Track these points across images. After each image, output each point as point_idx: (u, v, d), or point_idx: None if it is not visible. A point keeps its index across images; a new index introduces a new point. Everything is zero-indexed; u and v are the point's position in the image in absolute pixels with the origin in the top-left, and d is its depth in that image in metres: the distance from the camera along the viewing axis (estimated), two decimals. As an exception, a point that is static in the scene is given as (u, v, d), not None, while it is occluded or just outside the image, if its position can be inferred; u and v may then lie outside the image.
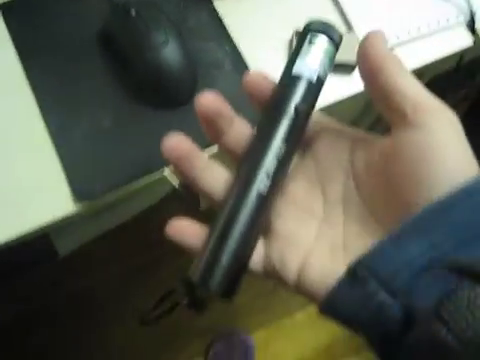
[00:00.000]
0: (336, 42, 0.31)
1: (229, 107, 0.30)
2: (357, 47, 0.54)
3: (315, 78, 0.30)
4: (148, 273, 1.18)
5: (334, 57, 0.31)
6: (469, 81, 0.98)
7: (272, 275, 0.28)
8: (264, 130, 0.30)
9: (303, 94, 0.29)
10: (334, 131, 0.31)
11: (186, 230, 0.30)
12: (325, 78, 0.31)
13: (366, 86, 0.28)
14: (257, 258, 0.29)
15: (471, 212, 0.22)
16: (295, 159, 0.31)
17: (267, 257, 0.29)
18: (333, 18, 0.56)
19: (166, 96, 0.50)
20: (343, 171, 0.29)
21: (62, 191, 0.47)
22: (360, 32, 0.55)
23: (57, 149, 0.48)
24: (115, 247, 1.10)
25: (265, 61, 0.53)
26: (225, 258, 0.27)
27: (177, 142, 0.29)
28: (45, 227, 0.47)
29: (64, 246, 0.54)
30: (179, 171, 0.30)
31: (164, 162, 0.49)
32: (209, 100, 0.29)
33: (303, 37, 0.31)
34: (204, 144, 0.50)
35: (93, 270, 1.15)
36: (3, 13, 0.52)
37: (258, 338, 1.17)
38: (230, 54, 0.53)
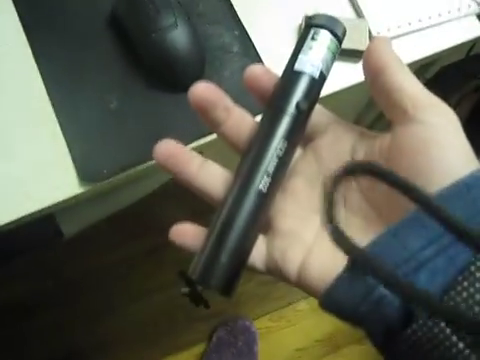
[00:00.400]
0: (340, 37, 0.30)
1: (224, 96, 0.30)
2: (367, 34, 0.54)
3: (317, 74, 0.29)
4: (151, 257, 1.19)
5: (338, 52, 0.31)
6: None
7: (274, 272, 0.28)
8: (265, 127, 0.30)
9: (305, 91, 0.29)
10: (335, 127, 0.31)
11: (188, 233, 0.30)
12: (328, 74, 0.30)
13: (369, 84, 0.28)
14: (259, 255, 0.29)
15: (470, 206, 0.22)
16: (296, 154, 0.31)
17: (269, 254, 0.29)
18: (343, 5, 0.56)
19: (173, 79, 0.50)
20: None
21: (68, 173, 0.47)
22: (370, 19, 0.54)
23: (63, 130, 0.48)
24: (118, 231, 1.12)
25: (274, 45, 0.53)
26: (224, 256, 0.27)
27: (167, 147, 0.30)
28: (50, 208, 0.47)
29: (69, 227, 0.55)
30: (174, 175, 0.30)
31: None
32: (202, 90, 0.29)
33: (306, 32, 0.30)
34: (207, 131, 0.50)
35: (95, 254, 1.16)
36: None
37: (261, 326, 1.18)
38: (239, 38, 0.52)
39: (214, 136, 0.50)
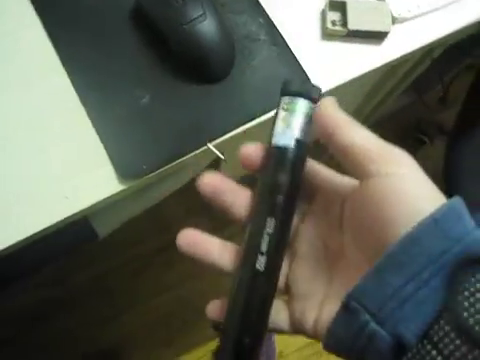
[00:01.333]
0: (315, 98, 0.30)
1: (230, 182, 0.32)
2: (389, 16, 0.54)
3: (294, 145, 0.30)
4: (157, 259, 1.18)
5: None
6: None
7: (298, 331, 0.30)
8: (253, 208, 0.31)
9: (284, 165, 0.30)
10: (325, 189, 0.32)
11: (219, 310, 0.32)
12: (307, 138, 0.30)
13: (328, 146, 0.29)
14: (283, 319, 0.31)
15: (441, 239, 0.23)
16: (296, 219, 0.32)
17: (291, 316, 0.31)
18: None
19: (205, 71, 0.49)
20: (337, 221, 0.30)
21: (106, 171, 0.47)
22: (391, 1, 0.55)
23: (97, 130, 0.47)
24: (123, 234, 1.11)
25: (299, 30, 0.53)
26: (246, 339, 0.29)
27: (188, 236, 0.31)
28: (92, 208, 0.46)
29: (104, 228, 0.54)
30: (198, 260, 0.32)
31: (206, 137, 0.48)
32: (210, 182, 0.31)
33: (280, 102, 0.31)
34: (242, 120, 0.50)
35: (99, 258, 1.15)
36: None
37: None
38: (264, 26, 0.52)
39: (246, 126, 0.50)
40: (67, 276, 1.13)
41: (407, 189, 0.25)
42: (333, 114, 0.28)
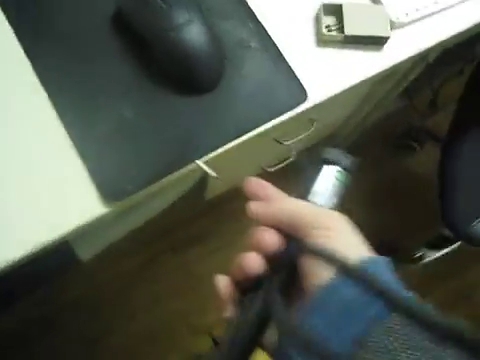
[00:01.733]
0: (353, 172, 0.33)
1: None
2: (387, 20, 0.51)
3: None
4: (143, 273, 1.15)
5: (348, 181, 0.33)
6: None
7: None
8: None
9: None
10: None
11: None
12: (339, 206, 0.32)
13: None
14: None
15: (355, 289, 0.26)
16: None
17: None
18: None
19: (192, 81, 0.46)
20: None
21: (88, 194, 0.43)
22: (387, 5, 0.52)
23: (78, 149, 0.44)
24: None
25: (292, 36, 0.50)
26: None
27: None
28: (74, 232, 0.42)
29: (86, 251, 0.50)
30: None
31: (193, 153, 0.45)
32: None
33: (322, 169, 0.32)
34: (233, 135, 0.46)
35: (92, 275, 1.11)
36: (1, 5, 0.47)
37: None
38: (255, 31, 0.49)
39: (236, 141, 0.47)
40: (54, 296, 1.08)
41: (337, 248, 0.27)
42: (267, 188, 0.32)
